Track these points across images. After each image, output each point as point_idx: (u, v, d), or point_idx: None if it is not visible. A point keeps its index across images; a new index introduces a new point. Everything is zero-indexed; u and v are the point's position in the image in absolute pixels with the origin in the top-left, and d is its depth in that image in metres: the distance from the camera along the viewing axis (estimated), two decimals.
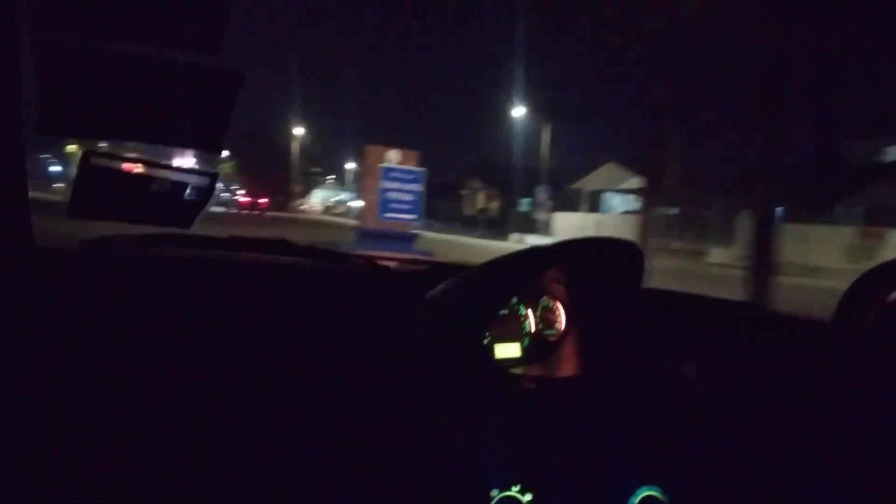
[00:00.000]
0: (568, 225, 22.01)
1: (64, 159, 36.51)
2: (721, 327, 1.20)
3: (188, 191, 0.99)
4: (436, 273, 1.05)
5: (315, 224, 20.75)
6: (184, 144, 0.99)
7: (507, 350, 1.03)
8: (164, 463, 0.72)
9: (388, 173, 8.03)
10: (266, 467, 0.75)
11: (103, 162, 0.90)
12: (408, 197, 8.14)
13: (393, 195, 8.06)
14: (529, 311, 1.06)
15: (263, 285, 0.98)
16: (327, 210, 40.23)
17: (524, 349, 1.05)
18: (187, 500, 0.71)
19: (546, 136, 23.63)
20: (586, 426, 0.92)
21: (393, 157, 8.08)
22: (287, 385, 0.80)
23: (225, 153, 39.64)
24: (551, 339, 1.07)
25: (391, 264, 1.16)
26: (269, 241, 1.09)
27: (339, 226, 18.94)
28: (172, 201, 0.97)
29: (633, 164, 23.09)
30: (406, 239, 7.98)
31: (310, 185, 41.49)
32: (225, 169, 39.97)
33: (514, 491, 0.83)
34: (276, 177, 37.68)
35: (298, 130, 37.57)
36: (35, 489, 0.66)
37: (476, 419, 0.84)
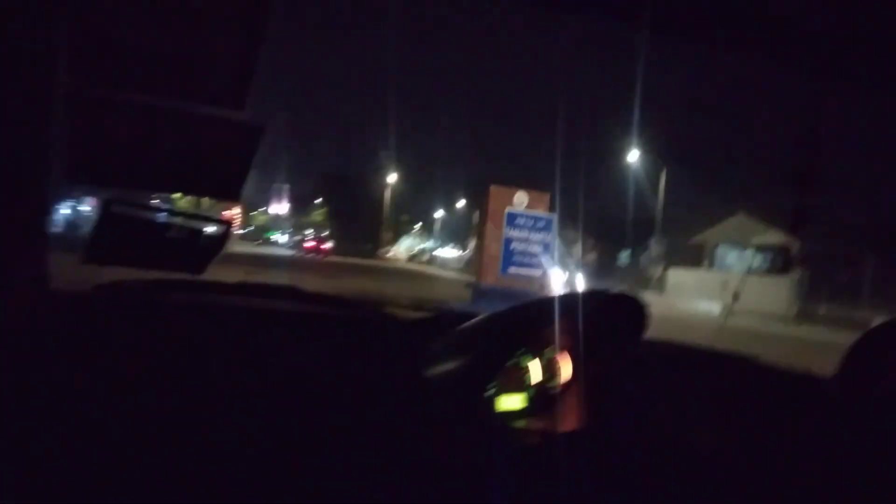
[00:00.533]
0: (684, 282, 19.99)
1: (171, 203, 40.82)
2: (722, 381, 1.21)
3: (202, 239, 1.03)
4: (443, 321, 1.05)
5: (408, 275, 20.45)
6: (204, 194, 1.03)
7: (511, 402, 1.02)
8: None
9: (513, 220, 6.89)
10: None
11: (123, 210, 0.96)
12: (535, 248, 6.97)
13: (519, 245, 6.92)
14: (535, 363, 1.05)
15: (272, 331, 1.00)
16: (412, 258, 40.98)
17: (528, 400, 1.03)
18: None
19: (662, 182, 22.25)
20: (593, 479, 0.90)
21: (521, 199, 6.90)
22: (290, 430, 0.82)
23: (317, 200, 42.52)
24: (553, 391, 1.06)
25: (398, 311, 1.18)
26: (278, 287, 1.12)
27: (436, 278, 18.85)
28: (187, 248, 1.02)
29: (767, 215, 20.95)
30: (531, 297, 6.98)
31: (399, 232, 42.77)
32: (316, 216, 42.35)
33: None
34: (367, 224, 38.99)
35: (391, 178, 38.79)
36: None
37: (479, 474, 0.84)
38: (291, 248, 34.19)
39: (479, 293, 6.87)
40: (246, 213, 41.09)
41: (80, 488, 0.72)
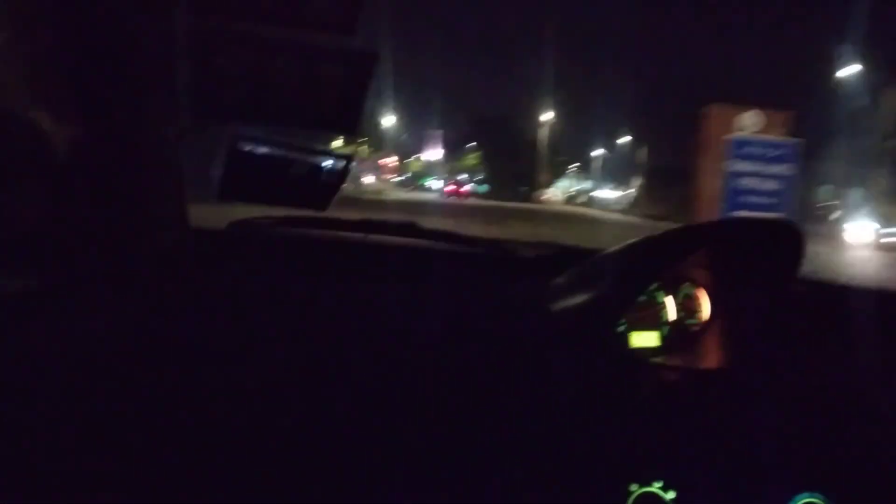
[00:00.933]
0: None
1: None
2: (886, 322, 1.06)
3: (323, 174, 1.04)
4: (564, 258, 1.02)
5: (565, 219, 19.90)
6: (323, 126, 1.04)
7: (645, 339, 1.00)
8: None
9: (740, 148, 5.38)
10: (405, 445, 0.76)
11: (248, 146, 1.00)
12: (771, 185, 5.44)
13: (748, 182, 5.39)
14: (669, 299, 1.02)
15: (392, 266, 1.03)
16: (569, 200, 39.70)
17: (663, 338, 1.01)
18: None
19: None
20: (735, 422, 0.87)
21: (751, 121, 5.38)
22: (416, 370, 0.82)
23: (471, 144, 42.58)
24: (694, 328, 1.02)
25: (519, 248, 1.16)
26: (397, 224, 1.12)
27: (597, 220, 18.19)
28: (309, 184, 1.04)
29: None
30: None
31: (555, 174, 41.39)
32: (470, 160, 42.47)
33: (655, 487, 0.80)
34: (522, 166, 38.28)
35: (546, 116, 37.42)
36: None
37: (613, 409, 0.82)
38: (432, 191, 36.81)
39: None
40: (401, 160, 42.98)
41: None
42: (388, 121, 36.53)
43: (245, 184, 1.01)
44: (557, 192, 40.54)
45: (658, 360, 0.98)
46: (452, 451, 0.76)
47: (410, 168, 46.26)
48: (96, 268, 0.82)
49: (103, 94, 0.80)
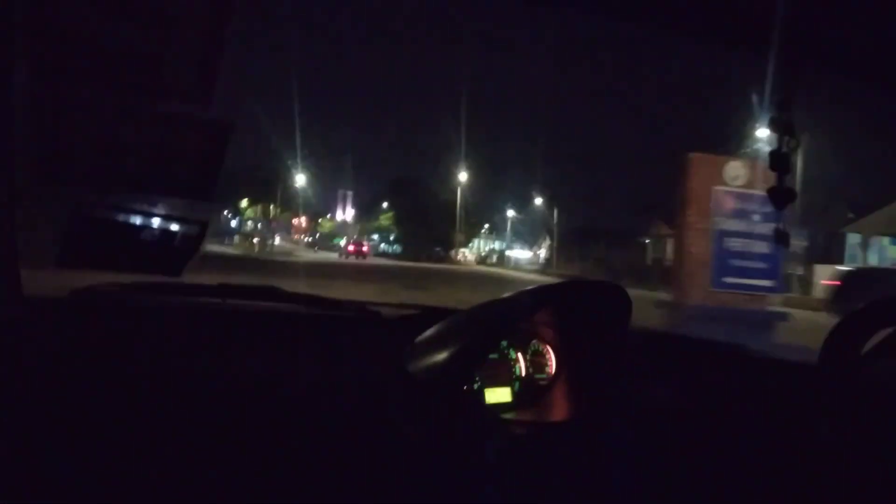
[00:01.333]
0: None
1: (240, 214, 43.29)
2: (708, 367, 1.23)
3: (177, 239, 1.04)
4: (426, 318, 1.06)
5: (481, 279, 19.79)
6: (175, 194, 1.05)
7: (498, 395, 1.05)
8: None
9: (724, 204, 4.73)
10: None
11: (95, 212, 0.99)
12: (762, 246, 4.78)
13: (737, 243, 4.77)
14: (519, 355, 1.08)
15: (253, 332, 1.01)
16: (482, 261, 40.68)
17: (515, 393, 1.06)
18: None
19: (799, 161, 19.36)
20: (581, 470, 0.92)
21: (739, 172, 4.74)
22: (275, 433, 0.83)
23: (383, 205, 43.36)
24: (542, 382, 1.09)
25: (381, 309, 1.19)
26: (257, 288, 1.13)
27: (512, 280, 18.33)
28: (162, 249, 1.03)
29: None
30: (761, 322, 4.59)
31: (469, 235, 42.43)
32: (382, 221, 42.95)
33: None
34: (435, 227, 38.88)
35: (461, 177, 38.12)
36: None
37: (467, 464, 0.85)
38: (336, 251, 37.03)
39: (684, 316, 4.79)
40: (312, 221, 42.59)
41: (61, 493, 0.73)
42: (298, 180, 36.35)
43: (90, 249, 0.99)
44: (469, 253, 41.63)
45: (509, 415, 1.03)
46: None
47: (321, 228, 46.01)
48: None
49: None
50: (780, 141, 0.99)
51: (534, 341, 1.10)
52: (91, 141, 0.97)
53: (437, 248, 38.63)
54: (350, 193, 46.34)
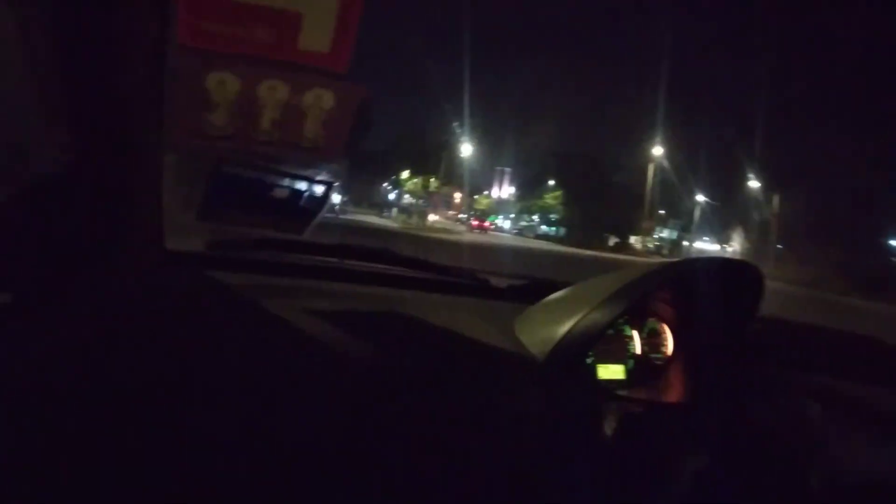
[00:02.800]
0: None
1: (400, 186, 44.52)
2: (842, 359, 1.20)
3: (304, 199, 1.11)
4: (536, 288, 1.09)
5: None
6: (305, 153, 1.11)
7: (611, 371, 1.07)
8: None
9: None
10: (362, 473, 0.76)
11: (233, 170, 1.08)
12: None
13: None
14: (635, 333, 1.10)
15: (367, 291, 1.06)
16: (656, 251, 37.37)
17: (628, 371, 1.09)
18: None
19: None
20: (693, 455, 0.93)
21: None
22: (386, 390, 0.86)
23: (550, 182, 42.08)
24: (658, 362, 1.10)
25: (491, 278, 1.21)
26: (374, 249, 1.17)
27: None
28: (290, 208, 1.11)
29: None
30: None
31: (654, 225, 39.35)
32: (548, 200, 41.77)
33: None
34: (611, 212, 36.75)
35: (657, 151, 34.18)
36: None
37: (579, 437, 0.87)
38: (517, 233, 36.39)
39: None
40: (468, 196, 43.18)
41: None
42: (461, 152, 36.41)
43: (226, 205, 1.09)
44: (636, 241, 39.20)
45: (623, 392, 1.05)
46: (425, 485, 0.77)
47: (478, 205, 46.34)
48: (68, 285, 0.89)
49: (89, 110, 0.87)
50: None
51: (651, 319, 1.11)
52: (228, 101, 1.05)
53: (615, 240, 36.71)
54: (509, 170, 46.04)
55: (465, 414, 0.86)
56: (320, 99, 1.08)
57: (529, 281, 1.22)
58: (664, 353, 1.11)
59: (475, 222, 39.01)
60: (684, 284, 1.04)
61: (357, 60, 1.09)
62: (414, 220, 33.85)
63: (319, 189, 1.09)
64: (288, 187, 1.09)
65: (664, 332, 1.11)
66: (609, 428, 0.91)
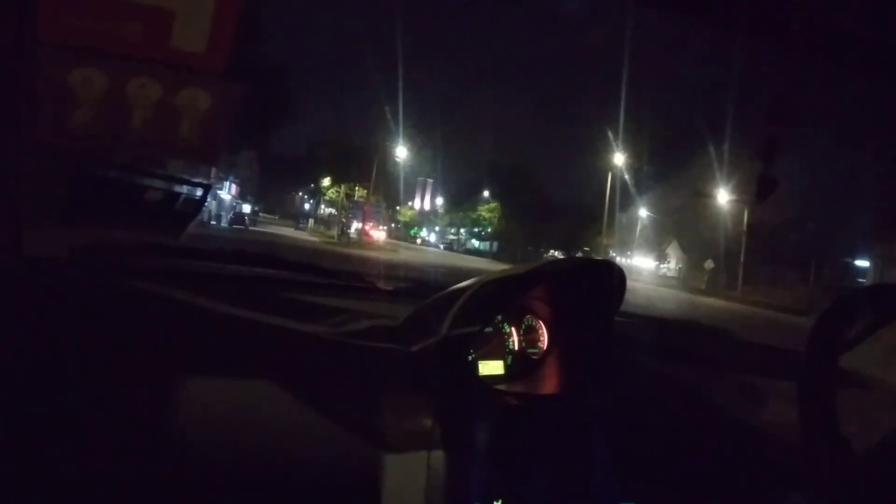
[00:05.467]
0: None
1: (319, 194, 43.54)
2: (694, 350, 1.40)
3: (180, 202, 1.15)
4: (420, 291, 1.21)
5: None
6: (179, 155, 1.16)
7: (491, 367, 1.19)
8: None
9: None
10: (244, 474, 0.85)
11: (100, 171, 1.12)
12: None
13: None
14: (513, 330, 1.23)
15: (247, 297, 1.12)
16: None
17: (507, 367, 1.22)
18: None
19: None
20: (567, 442, 1.07)
21: None
22: (270, 394, 0.93)
23: (485, 194, 42.59)
24: (534, 357, 1.25)
25: (378, 281, 1.33)
26: (256, 254, 1.23)
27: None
28: (164, 211, 1.15)
29: None
30: None
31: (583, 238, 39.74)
32: (483, 212, 42.25)
33: None
34: (557, 226, 37.30)
35: (617, 160, 32.59)
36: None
37: (459, 432, 0.97)
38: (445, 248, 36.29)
39: None
40: (387, 208, 42.90)
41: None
42: (389, 159, 35.86)
43: (93, 207, 1.12)
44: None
45: (502, 386, 1.17)
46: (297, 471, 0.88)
47: (401, 217, 46.08)
48: None
49: None
50: None
51: (528, 316, 1.25)
52: (94, 99, 1.09)
53: (551, 250, 37.08)
54: (431, 181, 45.98)
55: (349, 406, 0.94)
56: (196, 99, 1.13)
57: (414, 283, 1.33)
58: (540, 347, 1.25)
59: (368, 227, 37.42)
60: (558, 283, 1.18)
61: (268, 54, 1.15)
62: (335, 232, 33.28)
63: (196, 191, 1.14)
64: (162, 189, 1.13)
65: (540, 328, 1.26)
66: (488, 420, 1.01)
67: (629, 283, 1.16)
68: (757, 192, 1.23)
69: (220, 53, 1.13)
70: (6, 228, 1.02)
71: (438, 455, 0.94)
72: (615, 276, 1.14)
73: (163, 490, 0.77)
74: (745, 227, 27.67)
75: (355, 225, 36.95)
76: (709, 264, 28.72)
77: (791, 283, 24.84)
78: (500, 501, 0.97)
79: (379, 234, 36.77)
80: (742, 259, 27.61)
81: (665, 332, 1.55)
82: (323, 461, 0.89)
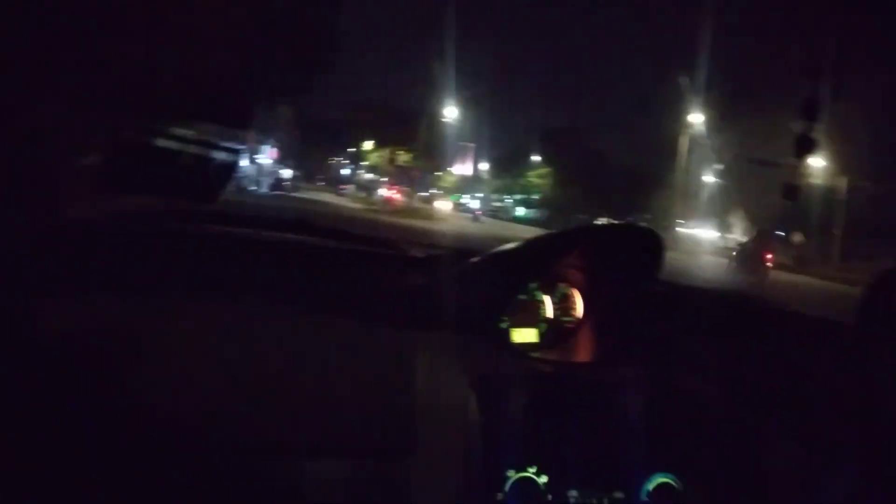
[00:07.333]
0: None
1: (360, 158, 43.37)
2: (735, 322, 1.38)
3: (212, 167, 1.20)
4: (453, 258, 1.25)
5: None
6: (211, 120, 1.20)
7: (525, 335, 1.25)
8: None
9: None
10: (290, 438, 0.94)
11: (131, 135, 1.17)
12: None
13: None
14: (547, 298, 1.27)
15: (282, 262, 1.20)
16: None
17: (541, 335, 1.27)
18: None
19: None
20: (602, 411, 1.10)
21: None
22: (310, 356, 1.00)
23: (535, 158, 41.87)
24: (569, 325, 1.29)
25: (411, 248, 1.37)
26: (289, 220, 1.28)
27: None
28: (198, 176, 1.19)
29: None
30: None
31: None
32: (533, 178, 41.64)
33: (530, 472, 1.02)
34: (615, 192, 36.45)
35: (694, 118, 31.45)
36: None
37: (494, 399, 1.02)
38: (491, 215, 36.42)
39: None
40: (432, 171, 42.60)
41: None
42: (436, 122, 35.26)
43: (127, 174, 1.17)
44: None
45: (536, 354, 1.22)
46: (338, 432, 0.95)
47: (443, 183, 45.50)
48: None
49: None
50: None
51: (561, 284, 1.29)
52: (127, 66, 1.13)
53: (607, 219, 35.73)
54: (472, 146, 45.14)
55: (384, 370, 1.01)
56: (223, 61, 1.17)
57: (446, 250, 1.36)
58: (575, 316, 1.29)
59: (391, 191, 36.01)
60: (592, 250, 1.20)
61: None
62: (377, 198, 33.14)
63: (229, 156, 1.18)
64: (194, 154, 1.18)
65: (574, 297, 1.29)
66: (522, 386, 1.06)
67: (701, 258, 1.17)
68: (796, 151, 1.21)
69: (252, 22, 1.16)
70: (43, 195, 1.07)
71: (473, 421, 0.98)
72: (651, 243, 1.16)
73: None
74: (842, 195, 25.71)
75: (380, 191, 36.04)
76: (798, 237, 26.85)
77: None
78: (534, 468, 1.02)
79: (445, 204, 35.85)
80: (839, 232, 25.53)
81: (707, 301, 1.55)
82: (360, 429, 0.94)
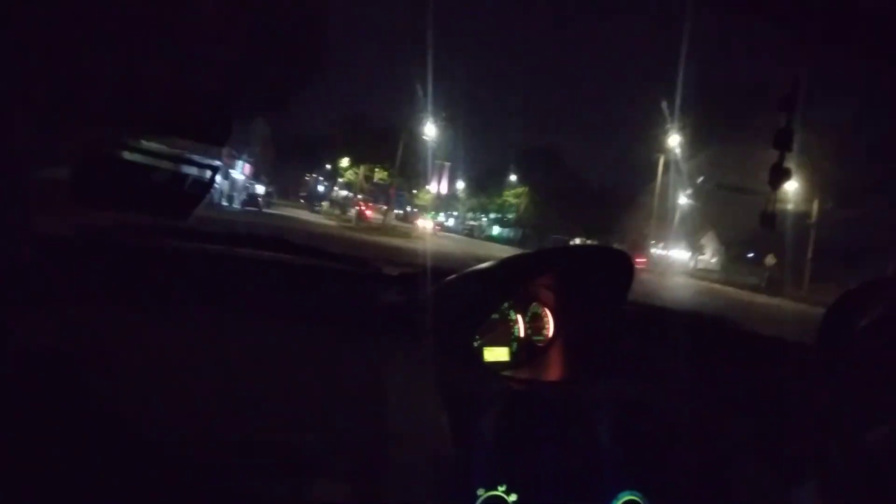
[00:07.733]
0: None
1: (337, 175, 43.21)
2: (703, 342, 1.46)
3: (188, 183, 1.20)
4: (426, 276, 1.26)
5: None
6: (188, 136, 1.21)
7: (497, 353, 1.26)
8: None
9: None
10: (258, 458, 0.92)
11: (108, 151, 1.17)
12: None
13: None
14: (519, 317, 1.30)
15: (256, 280, 1.20)
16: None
17: (513, 353, 1.29)
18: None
19: None
20: (572, 429, 1.12)
21: None
22: (280, 376, 1.00)
23: (512, 178, 42.26)
24: (540, 344, 1.32)
25: (384, 267, 1.39)
26: (266, 237, 1.29)
27: None
28: (172, 193, 1.20)
29: None
30: None
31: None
32: (509, 197, 41.90)
33: (500, 490, 1.03)
34: (590, 213, 36.70)
35: (673, 140, 32.26)
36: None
37: (464, 417, 1.02)
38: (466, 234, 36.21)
39: None
40: (409, 189, 42.66)
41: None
42: (416, 139, 35.28)
43: (100, 188, 1.17)
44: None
45: (507, 373, 1.24)
46: (307, 452, 0.94)
47: (419, 200, 45.55)
48: None
49: None
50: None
51: (534, 304, 1.32)
52: (104, 79, 1.14)
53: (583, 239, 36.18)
54: (447, 164, 45.33)
55: (354, 390, 1.01)
56: (205, 79, 1.18)
57: (419, 269, 1.36)
58: (545, 335, 1.32)
59: (362, 207, 36.49)
60: (564, 271, 1.23)
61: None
62: (352, 215, 33.17)
63: (205, 173, 1.18)
64: (170, 170, 1.18)
65: (546, 316, 1.32)
66: (493, 405, 1.06)
67: (678, 279, 1.20)
68: (770, 180, 1.25)
69: (230, 34, 1.17)
70: (15, 209, 1.07)
71: (443, 439, 0.99)
72: (621, 264, 1.19)
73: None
74: (812, 219, 26.50)
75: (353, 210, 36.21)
76: (770, 259, 27.23)
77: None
78: (504, 486, 1.03)
79: (426, 223, 36.25)
80: (809, 255, 26.21)
81: (675, 322, 1.61)
82: (328, 444, 0.94)
